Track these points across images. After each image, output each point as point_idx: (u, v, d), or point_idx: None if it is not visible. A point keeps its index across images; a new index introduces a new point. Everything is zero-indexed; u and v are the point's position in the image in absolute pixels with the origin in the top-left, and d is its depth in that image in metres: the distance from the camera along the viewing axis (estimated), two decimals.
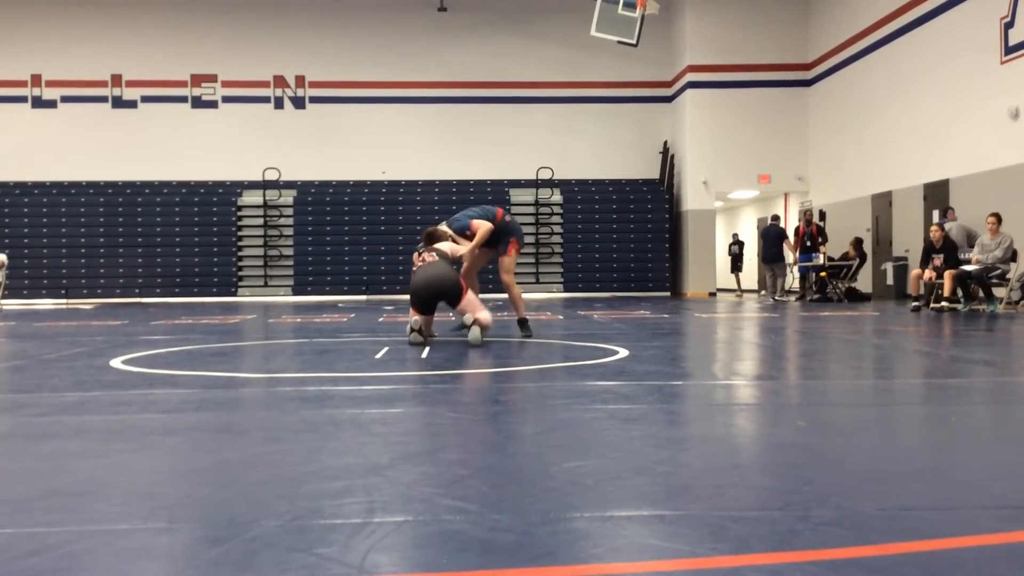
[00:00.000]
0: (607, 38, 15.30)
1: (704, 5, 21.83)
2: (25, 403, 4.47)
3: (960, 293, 12.87)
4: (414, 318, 7.62)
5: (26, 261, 20.98)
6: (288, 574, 1.84)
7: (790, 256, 18.59)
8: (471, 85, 22.98)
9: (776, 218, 18.97)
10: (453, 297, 7.52)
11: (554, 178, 22.69)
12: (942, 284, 12.94)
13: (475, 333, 7.33)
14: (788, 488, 2.55)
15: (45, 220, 21.52)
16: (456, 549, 1.99)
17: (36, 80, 22.42)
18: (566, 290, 22.17)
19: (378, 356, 6.61)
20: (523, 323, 8.55)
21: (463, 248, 8.14)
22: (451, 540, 2.05)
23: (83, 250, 21.51)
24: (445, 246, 7.97)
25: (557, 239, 22.50)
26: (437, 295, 7.52)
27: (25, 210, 21.58)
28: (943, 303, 12.69)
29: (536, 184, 22.61)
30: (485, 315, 7.54)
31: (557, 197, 22.63)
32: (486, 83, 23.00)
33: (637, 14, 14.90)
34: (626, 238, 22.18)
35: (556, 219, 22.55)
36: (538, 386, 5.00)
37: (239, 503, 2.43)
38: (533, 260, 22.35)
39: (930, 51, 16.62)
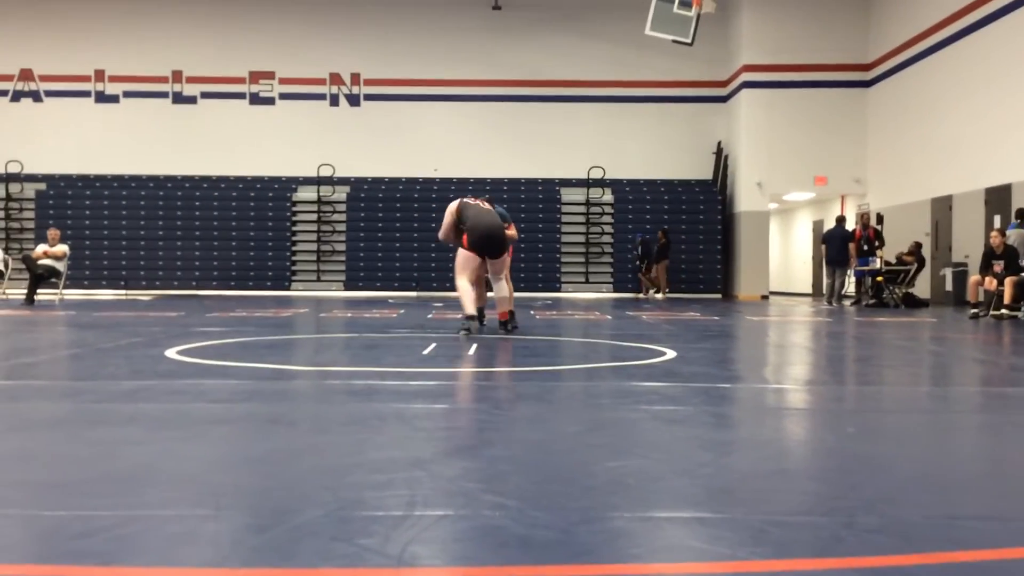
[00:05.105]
0: (662, 37, 15.17)
1: (761, 4, 21.52)
2: (83, 390, 4.59)
3: (1022, 301, 12.54)
4: (469, 312, 8.00)
5: (87, 252, 21.48)
6: (329, 563, 1.86)
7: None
8: (524, 83, 22.96)
9: (842, 220, 18.54)
10: (502, 248, 8.27)
11: (605, 178, 22.58)
12: (1003, 291, 12.62)
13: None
14: (834, 493, 2.52)
15: (106, 213, 22.02)
16: (495, 544, 2.00)
17: (100, 75, 22.94)
18: (616, 290, 22.06)
19: (426, 352, 6.65)
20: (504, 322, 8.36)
21: (511, 232, 8.58)
22: (490, 535, 2.06)
23: (142, 242, 21.97)
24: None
25: (608, 239, 22.39)
26: (491, 240, 8.17)
27: (87, 203, 22.11)
28: (1003, 310, 12.38)
29: (587, 183, 22.53)
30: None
31: (608, 197, 22.52)
32: (539, 81, 22.96)
33: (693, 13, 14.76)
34: (677, 239, 21.97)
35: (607, 219, 22.44)
36: (584, 385, 4.99)
37: (284, 492, 2.47)
38: (583, 260, 22.28)
39: (994, 53, 16.20)
